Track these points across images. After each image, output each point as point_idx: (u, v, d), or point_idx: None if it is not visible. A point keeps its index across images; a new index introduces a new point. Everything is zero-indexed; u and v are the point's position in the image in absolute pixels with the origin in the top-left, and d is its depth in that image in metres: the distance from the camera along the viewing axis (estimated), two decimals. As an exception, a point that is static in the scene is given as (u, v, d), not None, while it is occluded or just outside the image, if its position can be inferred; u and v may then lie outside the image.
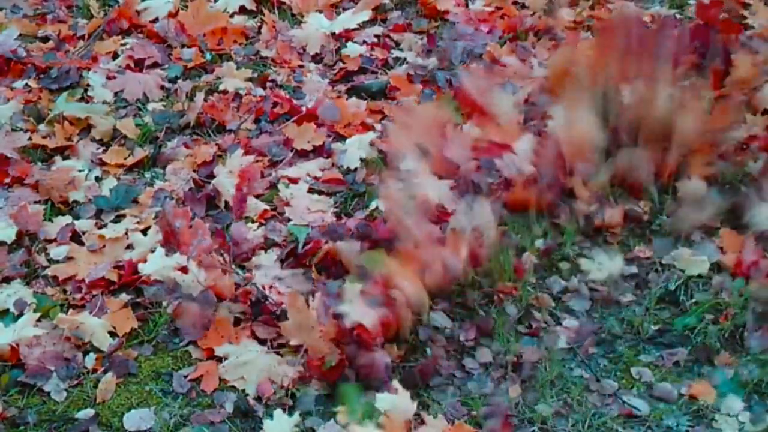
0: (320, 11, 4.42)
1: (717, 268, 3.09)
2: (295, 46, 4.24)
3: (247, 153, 3.46)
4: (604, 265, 3.13)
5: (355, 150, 3.51)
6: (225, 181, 3.32)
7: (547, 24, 4.23)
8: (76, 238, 3.18)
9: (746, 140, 3.41)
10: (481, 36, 4.17)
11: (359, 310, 2.73)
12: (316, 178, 3.44)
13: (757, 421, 2.64)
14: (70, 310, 2.89)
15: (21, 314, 2.85)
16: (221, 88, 3.94)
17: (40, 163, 3.51)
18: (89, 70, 3.99)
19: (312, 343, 2.75)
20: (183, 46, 4.22)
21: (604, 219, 3.22)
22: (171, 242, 3.00)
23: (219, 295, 2.92)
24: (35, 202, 3.30)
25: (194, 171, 3.44)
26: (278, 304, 2.87)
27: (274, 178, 3.42)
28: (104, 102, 3.84)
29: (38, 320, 2.82)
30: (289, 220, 3.23)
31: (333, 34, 4.27)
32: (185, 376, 2.74)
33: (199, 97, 3.78)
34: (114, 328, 2.85)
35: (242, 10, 4.43)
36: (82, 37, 4.29)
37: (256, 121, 3.74)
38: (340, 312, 2.74)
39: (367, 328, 2.70)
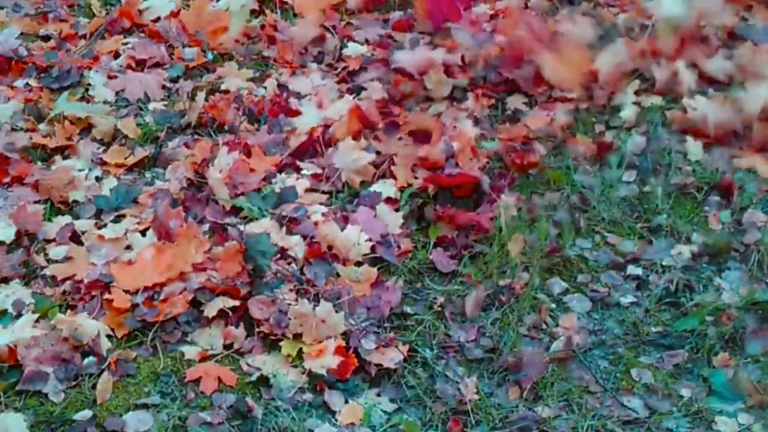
0: (323, 10, 4.41)
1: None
2: (297, 46, 4.23)
3: (247, 152, 3.46)
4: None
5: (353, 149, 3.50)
6: (217, 180, 3.31)
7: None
8: (76, 238, 3.17)
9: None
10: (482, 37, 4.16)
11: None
12: (315, 175, 3.43)
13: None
14: (69, 311, 2.88)
15: (19, 315, 2.84)
16: (223, 87, 3.93)
17: (40, 163, 3.50)
18: (90, 69, 3.98)
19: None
20: (184, 45, 4.22)
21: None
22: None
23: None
24: (35, 202, 3.29)
25: (195, 171, 3.42)
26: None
27: (273, 176, 3.41)
28: (105, 101, 3.83)
29: (37, 321, 2.80)
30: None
31: (334, 34, 4.27)
32: (184, 377, 2.74)
33: (201, 96, 3.78)
34: (113, 329, 2.85)
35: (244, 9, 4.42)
36: (83, 37, 4.29)
37: (257, 121, 3.73)
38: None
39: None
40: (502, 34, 4.04)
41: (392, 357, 2.80)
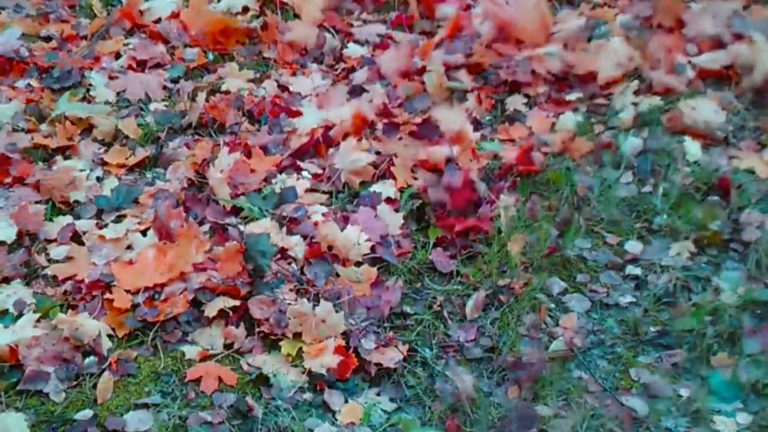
0: (323, 11, 4.43)
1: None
2: (297, 47, 4.24)
3: (247, 153, 3.46)
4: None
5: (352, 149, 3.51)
6: (218, 181, 3.32)
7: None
8: (77, 238, 3.18)
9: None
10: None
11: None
12: (315, 175, 3.44)
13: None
14: (70, 311, 2.89)
15: (20, 315, 2.85)
16: (223, 88, 3.94)
17: (41, 163, 3.51)
18: (91, 70, 4.00)
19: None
20: (185, 46, 4.23)
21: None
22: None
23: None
24: (36, 202, 3.30)
25: (196, 172, 3.43)
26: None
27: (273, 176, 3.42)
28: (106, 102, 3.85)
29: (38, 321, 2.81)
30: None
31: (334, 35, 4.28)
32: (184, 377, 2.75)
33: (201, 97, 3.78)
34: (113, 329, 2.85)
35: (245, 10, 4.43)
36: (84, 37, 4.30)
37: (258, 121, 3.74)
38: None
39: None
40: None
41: (392, 357, 2.81)
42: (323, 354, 2.78)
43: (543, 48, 4.03)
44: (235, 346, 2.84)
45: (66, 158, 3.56)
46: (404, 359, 2.82)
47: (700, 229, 3.22)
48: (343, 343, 2.81)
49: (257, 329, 2.86)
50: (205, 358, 2.80)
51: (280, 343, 2.82)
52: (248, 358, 2.80)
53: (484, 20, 4.14)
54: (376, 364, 2.80)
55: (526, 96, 3.88)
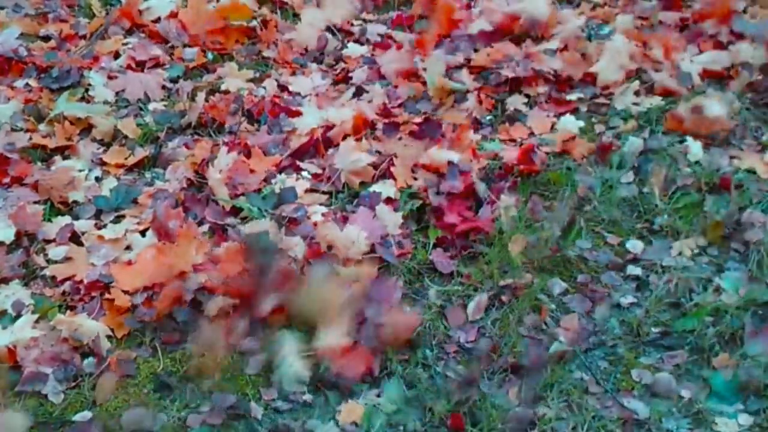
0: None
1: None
2: (297, 47, 4.24)
3: (247, 153, 3.45)
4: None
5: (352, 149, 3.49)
6: (217, 181, 3.31)
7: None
8: (76, 238, 3.17)
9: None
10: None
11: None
12: (315, 176, 3.43)
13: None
14: (69, 312, 2.88)
15: (19, 315, 2.85)
16: (223, 88, 3.94)
17: (40, 163, 3.50)
18: (90, 69, 3.99)
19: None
20: (185, 45, 4.22)
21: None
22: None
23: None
24: (35, 202, 3.29)
25: (195, 172, 3.42)
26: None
27: (273, 176, 3.41)
28: (105, 102, 3.84)
29: (36, 321, 2.81)
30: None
31: (334, 34, 4.27)
32: (184, 378, 2.74)
33: (201, 97, 3.77)
34: (112, 329, 2.84)
35: (245, 10, 4.43)
36: (83, 37, 4.29)
37: (257, 121, 3.73)
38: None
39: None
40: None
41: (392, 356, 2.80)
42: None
43: (543, 47, 4.02)
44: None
45: (65, 158, 3.55)
46: (404, 360, 2.81)
47: (701, 229, 3.21)
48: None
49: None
50: (204, 358, 2.79)
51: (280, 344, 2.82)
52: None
53: (484, 19, 4.14)
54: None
55: (527, 96, 3.87)
